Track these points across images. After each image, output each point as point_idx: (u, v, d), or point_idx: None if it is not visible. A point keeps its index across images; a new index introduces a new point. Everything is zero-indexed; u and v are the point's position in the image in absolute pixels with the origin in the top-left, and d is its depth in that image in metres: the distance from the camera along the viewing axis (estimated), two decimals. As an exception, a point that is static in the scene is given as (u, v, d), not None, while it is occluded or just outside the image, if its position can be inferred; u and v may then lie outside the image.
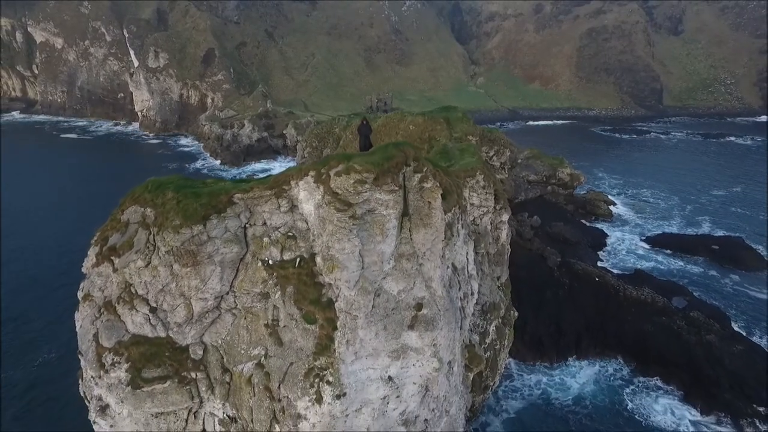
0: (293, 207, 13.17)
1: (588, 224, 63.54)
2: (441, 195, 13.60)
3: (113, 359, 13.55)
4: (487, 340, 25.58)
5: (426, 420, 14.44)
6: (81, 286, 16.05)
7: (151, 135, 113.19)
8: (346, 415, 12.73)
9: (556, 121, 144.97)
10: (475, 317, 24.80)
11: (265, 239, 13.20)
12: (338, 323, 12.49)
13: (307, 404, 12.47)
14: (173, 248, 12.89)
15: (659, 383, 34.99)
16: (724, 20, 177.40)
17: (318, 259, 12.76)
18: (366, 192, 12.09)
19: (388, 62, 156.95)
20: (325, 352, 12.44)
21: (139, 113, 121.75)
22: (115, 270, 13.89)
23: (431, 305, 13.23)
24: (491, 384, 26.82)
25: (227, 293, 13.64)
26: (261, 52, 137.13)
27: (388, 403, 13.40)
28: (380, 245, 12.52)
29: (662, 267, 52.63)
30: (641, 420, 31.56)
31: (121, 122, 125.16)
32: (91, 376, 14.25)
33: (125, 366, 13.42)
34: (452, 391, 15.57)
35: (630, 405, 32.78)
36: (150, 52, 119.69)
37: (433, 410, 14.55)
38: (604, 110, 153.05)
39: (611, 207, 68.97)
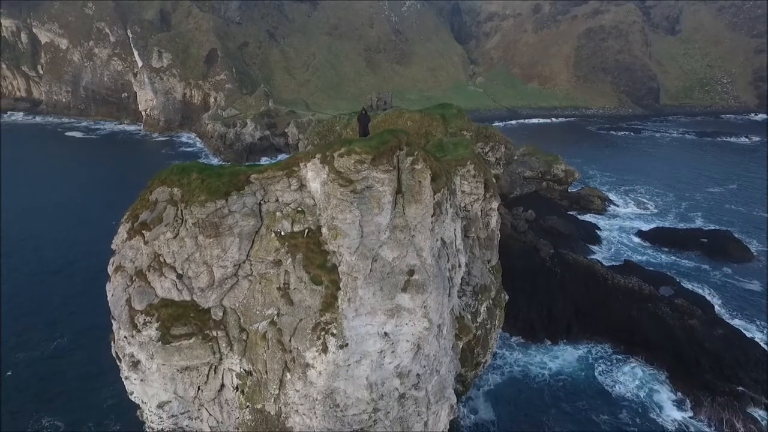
0: (302, 185, 15.23)
1: (581, 218, 65.48)
2: (431, 176, 15.63)
3: (145, 319, 15.58)
4: (479, 319, 27.57)
5: (418, 375, 16.45)
6: (111, 261, 18.10)
7: (154, 134, 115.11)
8: (348, 365, 14.77)
9: (553, 120, 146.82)
10: (467, 297, 26.79)
11: (278, 214, 15.25)
12: (341, 284, 14.56)
13: (315, 354, 14.53)
14: (199, 220, 14.95)
15: (641, 364, 37.11)
16: (720, 20, 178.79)
17: (324, 230, 14.82)
18: (365, 170, 14.16)
19: (389, 62, 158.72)
20: (330, 309, 14.50)
21: (143, 113, 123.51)
22: (146, 242, 15.92)
23: (422, 271, 15.26)
24: (483, 361, 28.83)
25: (244, 262, 15.69)
26: (263, 52, 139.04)
27: (384, 357, 15.42)
28: (377, 217, 14.57)
29: (652, 259, 54.57)
30: (616, 394, 33.83)
31: (125, 121, 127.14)
32: (124, 336, 16.26)
33: (156, 325, 15.46)
34: (442, 353, 17.57)
35: (608, 382, 35.07)
36: (154, 53, 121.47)
37: (424, 367, 16.56)
38: (601, 109, 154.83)
39: (605, 203, 70.81)
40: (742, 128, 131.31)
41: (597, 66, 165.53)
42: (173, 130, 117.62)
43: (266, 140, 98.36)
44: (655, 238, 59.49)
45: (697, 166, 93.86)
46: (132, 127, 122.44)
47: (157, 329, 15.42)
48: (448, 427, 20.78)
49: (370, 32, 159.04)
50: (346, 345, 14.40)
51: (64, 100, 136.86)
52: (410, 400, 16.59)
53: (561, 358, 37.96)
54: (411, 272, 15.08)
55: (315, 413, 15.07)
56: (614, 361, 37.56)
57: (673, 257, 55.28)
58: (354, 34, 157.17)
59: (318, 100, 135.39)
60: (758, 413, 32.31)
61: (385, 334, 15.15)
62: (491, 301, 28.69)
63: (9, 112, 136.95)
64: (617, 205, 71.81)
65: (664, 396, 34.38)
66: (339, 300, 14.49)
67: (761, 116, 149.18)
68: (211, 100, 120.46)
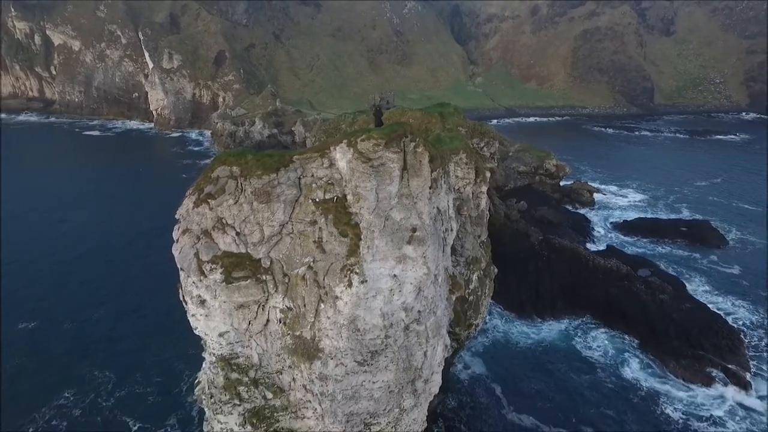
0: (332, 164, 20.21)
1: (571, 210, 70.11)
2: (429, 158, 20.57)
3: (211, 267, 20.54)
4: (471, 287, 32.38)
5: (419, 312, 21.37)
6: (176, 227, 23.16)
7: (165, 132, 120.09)
8: (367, 298, 19.73)
9: (550, 119, 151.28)
10: (460, 267, 31.60)
11: (313, 185, 20.25)
12: (362, 236, 19.56)
13: (342, 288, 19.50)
14: (256, 189, 19.94)
15: (616, 333, 42.05)
16: (714, 21, 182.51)
17: (348, 197, 19.82)
18: (380, 151, 19.13)
19: (390, 62, 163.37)
20: (354, 254, 19.49)
21: (154, 112, 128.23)
22: (210, 209, 20.85)
23: (422, 230, 20.20)
24: (475, 323, 33.61)
25: (287, 222, 20.65)
26: (269, 54, 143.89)
27: (393, 294, 20.36)
28: (389, 187, 19.54)
29: (634, 245, 59.26)
30: (592, 359, 38.81)
31: (137, 120, 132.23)
32: (192, 282, 21.19)
33: (220, 270, 20.44)
34: (438, 298, 22.44)
35: (585, 348, 40.06)
36: (164, 54, 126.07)
37: (424, 306, 21.48)
38: (597, 108, 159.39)
39: (595, 195, 75.36)
40: (733, 126, 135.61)
41: (593, 66, 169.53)
42: (183, 129, 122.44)
43: (274, 138, 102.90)
44: (638, 227, 64.15)
45: (687, 162, 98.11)
46: (143, 126, 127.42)
47: (221, 273, 20.39)
48: (443, 364, 25.63)
49: (372, 34, 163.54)
50: (366, 281, 19.36)
51: (76, 100, 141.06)
52: (413, 332, 21.46)
53: (545, 329, 42.92)
54: (414, 230, 20.00)
55: (341, 336, 19.97)
56: (591, 331, 42.51)
57: (654, 244, 60.02)
58: (357, 36, 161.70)
59: (322, 99, 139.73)
60: (715, 372, 37.28)
61: (394, 276, 20.09)
62: (482, 272, 33.49)
63: (24, 112, 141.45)
64: (606, 198, 76.32)
65: (635, 359, 39.29)
66: (360, 248, 19.48)
67: (752, 115, 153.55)
68: (220, 99, 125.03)
